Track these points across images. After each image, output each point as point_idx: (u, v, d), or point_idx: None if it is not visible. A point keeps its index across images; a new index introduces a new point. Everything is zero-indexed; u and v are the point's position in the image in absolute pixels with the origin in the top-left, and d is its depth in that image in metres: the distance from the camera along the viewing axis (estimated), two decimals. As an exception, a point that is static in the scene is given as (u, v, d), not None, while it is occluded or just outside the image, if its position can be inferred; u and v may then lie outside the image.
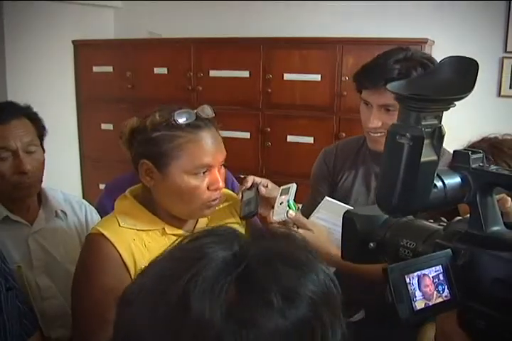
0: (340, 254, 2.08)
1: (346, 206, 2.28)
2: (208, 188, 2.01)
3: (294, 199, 2.26)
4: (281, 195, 2.23)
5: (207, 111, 2.04)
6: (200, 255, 0.88)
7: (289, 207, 2.17)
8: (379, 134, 2.29)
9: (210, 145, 2.00)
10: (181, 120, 1.96)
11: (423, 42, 4.10)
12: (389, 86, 0.96)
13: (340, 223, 2.21)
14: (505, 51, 4.45)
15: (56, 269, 2.43)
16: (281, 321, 0.82)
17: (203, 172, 2.00)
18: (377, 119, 2.25)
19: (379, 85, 2.20)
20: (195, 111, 2.02)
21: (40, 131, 2.48)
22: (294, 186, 2.25)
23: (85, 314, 1.97)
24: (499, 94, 4.49)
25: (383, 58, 2.27)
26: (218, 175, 2.03)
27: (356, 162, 2.54)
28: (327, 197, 2.33)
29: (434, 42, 4.37)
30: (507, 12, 4.39)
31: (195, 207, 2.04)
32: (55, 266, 2.44)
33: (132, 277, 1.95)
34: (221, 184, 2.02)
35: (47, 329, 2.30)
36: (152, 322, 0.85)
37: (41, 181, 2.48)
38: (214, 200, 2.05)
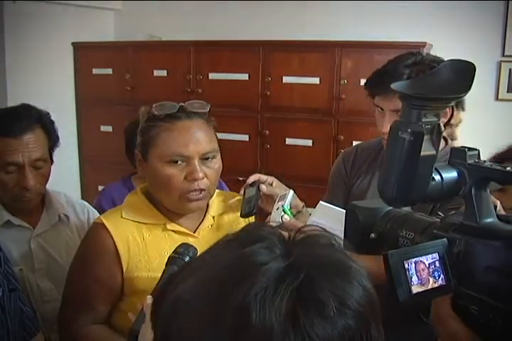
0: None
1: (341, 210, 2.30)
2: (186, 179, 2.02)
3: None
4: (278, 202, 2.26)
5: (196, 105, 2.09)
6: (252, 264, 0.88)
7: (284, 212, 2.19)
8: None
9: (187, 135, 2.03)
10: (157, 111, 2.03)
11: (421, 45, 4.12)
12: (393, 85, 1.02)
13: (336, 226, 2.26)
14: (503, 55, 4.49)
15: (58, 272, 2.43)
16: (331, 331, 0.83)
17: (178, 162, 2.02)
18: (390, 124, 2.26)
19: (389, 91, 2.22)
20: (181, 104, 2.06)
21: (53, 142, 2.46)
22: (290, 193, 2.28)
23: (72, 300, 2.07)
24: (497, 98, 4.52)
25: (393, 64, 2.29)
26: (198, 166, 2.02)
27: (374, 164, 2.54)
28: (321, 202, 2.32)
29: (432, 45, 4.40)
30: (505, 16, 4.44)
31: (174, 198, 2.05)
32: (57, 268, 2.45)
33: (124, 268, 2.03)
34: (200, 174, 2.02)
35: (47, 331, 2.31)
36: (209, 332, 0.85)
37: (42, 193, 2.48)
38: (193, 192, 2.04)
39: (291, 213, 2.23)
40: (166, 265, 1.75)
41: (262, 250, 0.90)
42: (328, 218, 2.26)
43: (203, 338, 0.86)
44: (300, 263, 0.89)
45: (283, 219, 2.17)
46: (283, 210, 2.20)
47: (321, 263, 0.91)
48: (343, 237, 2.22)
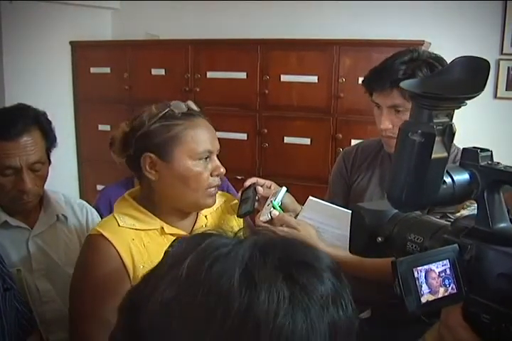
0: (327, 250, 2.15)
1: (331, 205, 2.31)
2: (211, 174, 2.07)
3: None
4: (271, 198, 2.30)
5: (194, 104, 2.12)
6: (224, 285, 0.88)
7: (274, 208, 2.23)
8: (391, 134, 2.30)
9: (206, 132, 2.07)
10: (178, 110, 2.03)
11: (419, 44, 4.09)
12: (402, 84, 0.99)
13: (326, 221, 2.28)
14: (502, 53, 4.47)
15: (56, 273, 2.41)
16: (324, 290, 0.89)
17: (205, 159, 2.05)
18: (388, 121, 2.29)
19: (385, 86, 2.25)
20: (185, 103, 2.09)
21: (50, 143, 2.42)
22: (283, 189, 2.33)
23: (82, 313, 1.98)
24: (495, 96, 4.50)
25: (390, 60, 2.31)
26: (218, 161, 2.09)
27: (374, 163, 2.56)
28: (311, 197, 2.35)
29: (430, 44, 4.38)
30: (503, 14, 4.42)
31: (200, 195, 2.07)
32: (56, 269, 2.42)
33: (131, 277, 1.97)
34: (222, 169, 2.08)
35: (45, 332, 2.29)
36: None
37: (40, 195, 2.46)
38: (215, 187, 2.10)
39: (280, 209, 2.26)
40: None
41: (220, 239, 0.95)
42: (318, 213, 2.29)
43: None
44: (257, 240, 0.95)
45: (271, 215, 2.22)
46: (272, 206, 2.23)
47: (278, 240, 0.97)
48: (334, 232, 2.25)
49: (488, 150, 1.06)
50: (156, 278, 0.93)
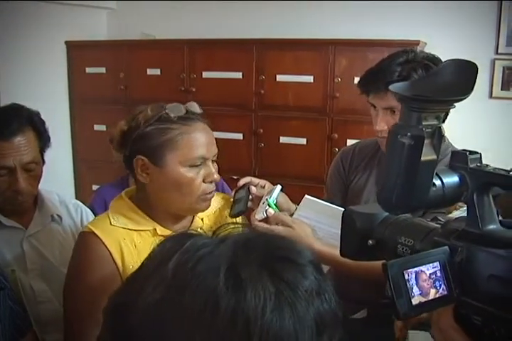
0: (323, 249, 2.15)
1: (327, 204, 2.31)
2: (203, 181, 2.03)
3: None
4: (266, 196, 2.29)
5: (195, 105, 2.08)
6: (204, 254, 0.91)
7: (270, 206, 2.22)
8: (386, 135, 2.31)
9: (203, 137, 2.02)
10: (173, 113, 1.99)
11: (415, 44, 4.12)
12: (391, 87, 0.99)
13: (322, 220, 2.28)
14: (497, 53, 4.49)
15: (51, 273, 2.40)
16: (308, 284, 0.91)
17: (198, 165, 2.01)
18: (383, 122, 2.29)
19: (380, 88, 2.24)
20: (185, 105, 2.05)
21: (44, 143, 2.41)
22: (277, 187, 2.32)
23: (76, 314, 1.97)
24: (491, 96, 4.51)
25: (386, 62, 2.30)
26: (212, 167, 2.05)
27: (371, 163, 2.56)
28: (307, 196, 2.35)
29: (426, 44, 4.40)
30: (498, 14, 4.43)
31: (192, 200, 2.03)
32: (51, 269, 2.41)
33: (121, 276, 1.96)
34: (216, 176, 2.04)
35: (41, 333, 2.27)
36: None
37: (35, 195, 2.45)
38: (209, 193, 2.06)
39: (276, 207, 2.25)
40: None
41: (201, 239, 0.96)
42: (314, 212, 2.29)
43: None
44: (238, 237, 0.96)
45: (267, 213, 2.21)
46: (268, 204, 2.22)
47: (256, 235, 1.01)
48: (329, 231, 2.25)
49: (477, 152, 1.06)
50: (142, 279, 0.94)
